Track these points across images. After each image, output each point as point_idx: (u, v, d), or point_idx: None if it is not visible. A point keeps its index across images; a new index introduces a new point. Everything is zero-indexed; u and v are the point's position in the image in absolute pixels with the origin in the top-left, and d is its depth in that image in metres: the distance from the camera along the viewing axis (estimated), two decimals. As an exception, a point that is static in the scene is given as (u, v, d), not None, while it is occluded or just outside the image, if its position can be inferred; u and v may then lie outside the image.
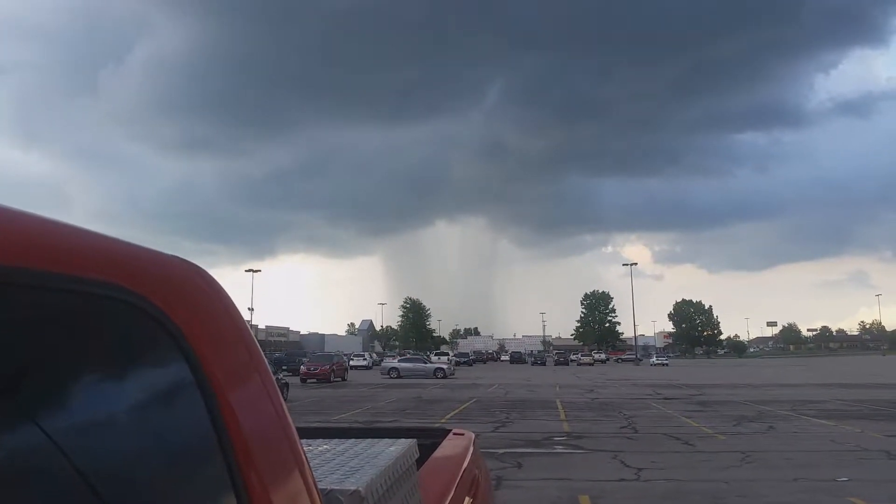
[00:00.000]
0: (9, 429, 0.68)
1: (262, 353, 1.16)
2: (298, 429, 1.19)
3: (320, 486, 1.29)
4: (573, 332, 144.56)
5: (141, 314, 0.88)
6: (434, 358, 58.22)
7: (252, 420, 1.03)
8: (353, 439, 2.35)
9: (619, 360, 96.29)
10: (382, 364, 48.45)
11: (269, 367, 1.16)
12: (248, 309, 76.70)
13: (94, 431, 0.79)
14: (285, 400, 1.22)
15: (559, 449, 11.50)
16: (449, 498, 2.22)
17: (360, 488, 1.50)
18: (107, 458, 0.78)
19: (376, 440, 2.25)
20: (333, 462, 1.85)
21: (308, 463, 1.16)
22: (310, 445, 2.13)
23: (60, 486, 0.71)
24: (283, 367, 37.94)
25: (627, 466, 9.55)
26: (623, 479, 8.62)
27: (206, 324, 1.01)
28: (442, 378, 40.89)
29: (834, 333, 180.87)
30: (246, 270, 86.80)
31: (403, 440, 2.23)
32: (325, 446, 2.15)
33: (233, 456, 0.94)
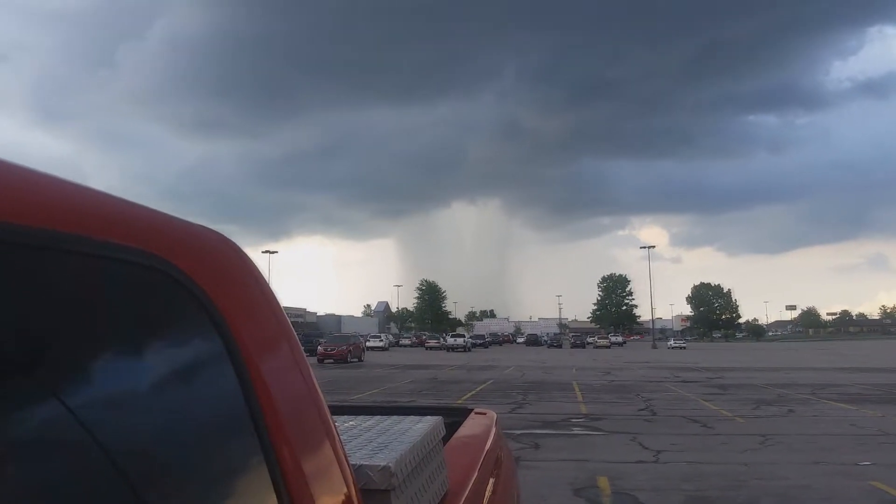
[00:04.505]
0: (46, 395, 0.66)
1: (291, 323, 1.14)
2: None
3: (349, 461, 1.27)
4: (590, 314, 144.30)
5: (172, 282, 0.86)
6: (451, 339, 67.89)
7: (283, 389, 1.01)
8: (378, 416, 2.33)
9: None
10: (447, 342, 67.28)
11: (297, 337, 1.14)
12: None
13: (127, 398, 0.77)
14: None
15: (577, 430, 11.49)
16: (473, 477, 2.20)
17: (391, 464, 1.48)
18: (139, 427, 0.77)
19: (402, 417, 2.22)
20: (361, 438, 1.83)
21: (339, 436, 1.14)
22: (335, 422, 2.12)
23: (98, 450, 0.69)
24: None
25: (646, 448, 9.52)
26: (642, 461, 8.60)
27: (235, 293, 0.99)
28: (464, 352, 57.40)
29: (854, 317, 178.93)
30: (263, 252, 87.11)
31: (430, 417, 2.20)
32: (350, 422, 2.14)
33: (264, 425, 0.93)
